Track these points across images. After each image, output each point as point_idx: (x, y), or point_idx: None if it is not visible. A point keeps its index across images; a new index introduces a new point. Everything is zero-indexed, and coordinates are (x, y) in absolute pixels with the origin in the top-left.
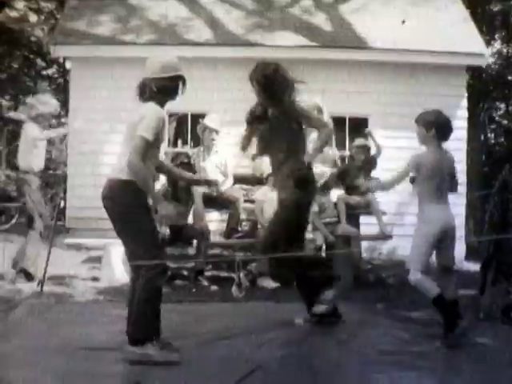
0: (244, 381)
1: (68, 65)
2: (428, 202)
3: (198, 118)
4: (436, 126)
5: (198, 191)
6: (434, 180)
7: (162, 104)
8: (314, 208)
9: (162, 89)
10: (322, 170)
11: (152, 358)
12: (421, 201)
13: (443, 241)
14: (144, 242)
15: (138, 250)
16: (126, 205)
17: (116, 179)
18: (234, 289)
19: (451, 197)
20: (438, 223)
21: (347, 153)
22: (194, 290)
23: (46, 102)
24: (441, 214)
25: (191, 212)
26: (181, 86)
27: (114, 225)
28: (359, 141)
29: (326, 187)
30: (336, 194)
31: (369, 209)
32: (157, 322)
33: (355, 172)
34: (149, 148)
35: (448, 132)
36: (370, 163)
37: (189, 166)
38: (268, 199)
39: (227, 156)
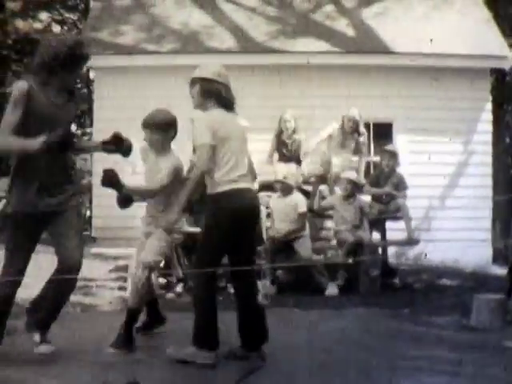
0: (244, 380)
1: (91, 74)
2: None
3: None
4: (162, 128)
5: None
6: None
7: None
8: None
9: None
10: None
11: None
12: None
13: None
14: None
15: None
16: None
17: (253, 189)
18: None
19: (476, 200)
20: None
21: (371, 158)
22: (220, 298)
23: None
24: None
25: None
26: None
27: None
28: (390, 146)
29: (352, 195)
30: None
31: (396, 214)
32: None
33: (384, 178)
34: None
35: (176, 131)
36: (394, 170)
37: None
38: (277, 207)
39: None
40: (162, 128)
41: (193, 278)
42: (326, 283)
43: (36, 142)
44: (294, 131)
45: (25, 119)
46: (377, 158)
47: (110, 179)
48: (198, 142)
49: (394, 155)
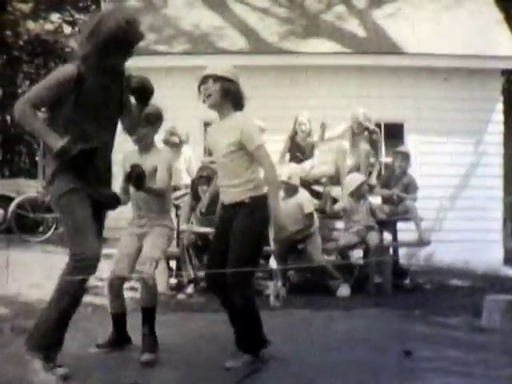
0: (244, 381)
1: None
2: None
3: None
4: (151, 121)
5: None
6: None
7: None
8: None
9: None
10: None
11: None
12: None
13: None
14: None
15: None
16: None
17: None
18: (272, 299)
19: (487, 201)
20: None
21: (382, 159)
22: None
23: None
24: None
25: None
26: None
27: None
28: (403, 148)
29: (362, 195)
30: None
31: (405, 215)
32: None
33: (395, 180)
34: None
35: (161, 125)
36: (405, 172)
37: (208, 180)
38: (282, 208)
39: None
40: (150, 121)
41: (244, 281)
42: (335, 285)
43: (58, 143)
44: (308, 134)
45: (75, 106)
46: (388, 159)
47: (140, 174)
48: (259, 143)
49: (406, 156)
